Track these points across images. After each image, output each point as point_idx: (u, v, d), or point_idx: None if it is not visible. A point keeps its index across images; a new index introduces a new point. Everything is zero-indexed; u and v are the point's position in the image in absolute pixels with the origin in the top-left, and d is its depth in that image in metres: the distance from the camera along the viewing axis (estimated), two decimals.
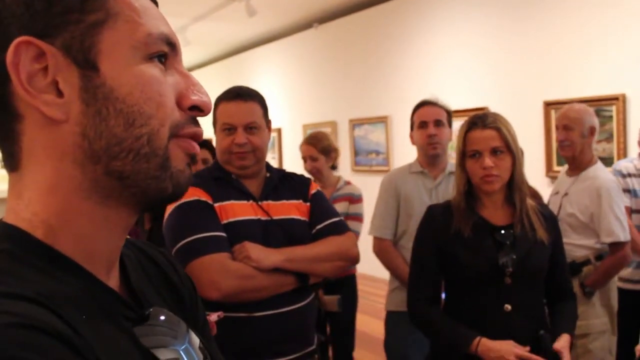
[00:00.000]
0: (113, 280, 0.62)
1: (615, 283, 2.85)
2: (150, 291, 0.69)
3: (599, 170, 2.84)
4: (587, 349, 2.70)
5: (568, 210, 2.78)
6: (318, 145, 3.38)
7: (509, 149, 1.82)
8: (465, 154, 1.86)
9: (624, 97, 4.32)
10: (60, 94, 0.55)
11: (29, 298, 0.48)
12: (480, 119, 1.86)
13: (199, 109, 0.62)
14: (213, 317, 1.51)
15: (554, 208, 2.77)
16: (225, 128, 1.76)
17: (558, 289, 1.94)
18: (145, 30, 0.58)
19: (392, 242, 2.73)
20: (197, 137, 0.62)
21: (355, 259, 1.86)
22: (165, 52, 0.60)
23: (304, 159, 3.42)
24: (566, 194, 2.83)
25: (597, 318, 2.72)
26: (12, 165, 0.58)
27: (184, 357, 0.64)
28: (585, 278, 2.70)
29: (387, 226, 2.73)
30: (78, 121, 0.55)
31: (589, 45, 4.56)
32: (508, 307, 1.80)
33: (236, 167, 1.78)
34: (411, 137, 2.86)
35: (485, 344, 1.74)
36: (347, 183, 3.44)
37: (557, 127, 2.92)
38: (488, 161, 1.80)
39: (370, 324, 4.78)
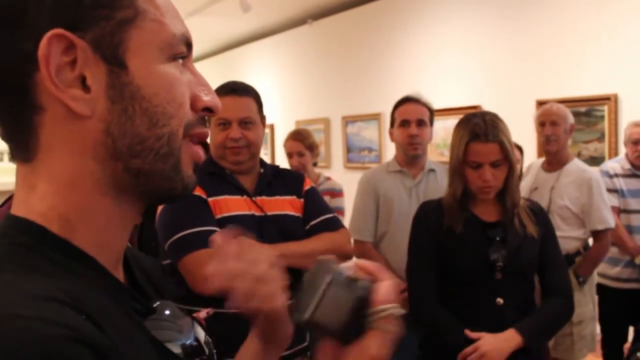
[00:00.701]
0: (119, 274, 0.62)
1: (595, 271, 3.01)
2: (149, 286, 0.69)
3: (580, 163, 3.02)
4: (582, 335, 2.86)
5: (559, 203, 2.87)
6: (305, 142, 3.42)
7: (507, 160, 1.84)
8: (465, 162, 1.85)
9: (615, 97, 4.34)
10: (86, 89, 0.54)
11: (60, 300, 0.47)
12: (483, 132, 1.83)
13: (209, 110, 0.62)
14: (202, 313, 1.50)
15: (542, 203, 2.81)
16: (219, 123, 1.75)
17: (547, 284, 1.93)
18: (170, 30, 0.58)
19: (373, 244, 2.66)
20: (204, 138, 0.63)
21: (349, 255, 1.86)
22: (184, 53, 0.60)
23: (290, 154, 3.44)
24: (553, 188, 2.92)
25: (586, 305, 2.89)
26: (25, 157, 0.57)
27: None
28: (578, 268, 2.85)
29: (367, 228, 2.65)
30: (103, 118, 0.55)
31: (582, 45, 4.58)
32: (500, 301, 1.83)
33: (230, 162, 1.77)
34: (390, 134, 2.84)
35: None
36: (327, 179, 3.51)
37: (542, 123, 2.99)
38: (489, 175, 1.82)
39: None
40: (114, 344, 0.49)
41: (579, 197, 2.87)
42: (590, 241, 3.01)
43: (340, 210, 3.40)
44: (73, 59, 0.53)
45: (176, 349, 0.62)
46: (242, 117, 1.75)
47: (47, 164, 0.56)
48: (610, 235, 3.09)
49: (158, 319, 0.63)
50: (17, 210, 0.57)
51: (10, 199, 1.29)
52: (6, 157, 11.77)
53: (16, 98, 0.54)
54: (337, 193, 3.43)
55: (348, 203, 3.44)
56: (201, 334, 0.70)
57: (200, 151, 0.63)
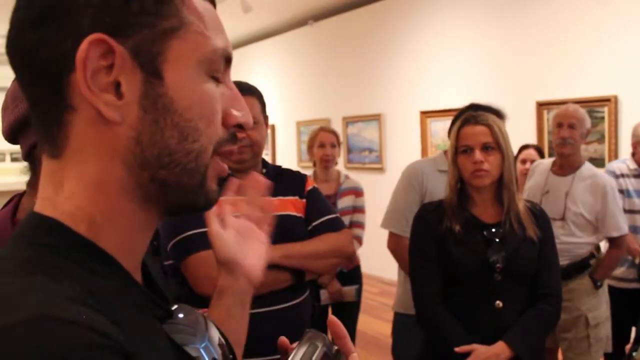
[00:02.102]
0: (139, 279, 0.62)
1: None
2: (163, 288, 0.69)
3: (593, 168, 2.95)
4: (598, 337, 2.84)
5: (574, 210, 2.82)
6: (337, 136, 3.49)
7: (499, 146, 1.85)
8: (458, 150, 1.88)
9: (615, 98, 4.34)
10: (120, 95, 0.54)
11: (90, 304, 0.47)
12: (472, 116, 1.90)
13: (240, 127, 0.62)
14: (205, 312, 1.49)
15: (556, 208, 2.82)
16: None
17: (538, 287, 1.89)
18: (211, 45, 0.57)
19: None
20: (230, 155, 0.64)
21: (350, 256, 1.86)
22: (222, 70, 0.59)
23: (323, 145, 3.43)
24: (567, 194, 2.85)
25: (601, 307, 2.88)
26: (53, 151, 0.56)
27: (204, 355, 0.64)
28: (594, 273, 2.84)
29: (408, 223, 2.43)
30: (134, 126, 0.54)
31: (582, 46, 4.58)
32: (499, 303, 1.82)
33: (234, 161, 1.76)
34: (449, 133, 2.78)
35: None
36: (347, 177, 3.52)
37: (559, 125, 2.89)
38: (478, 155, 1.83)
39: (367, 322, 4.78)
40: (138, 351, 0.49)
41: (593, 204, 2.82)
42: (602, 243, 2.98)
43: (363, 209, 3.42)
44: (110, 63, 0.53)
45: (191, 352, 0.62)
46: None
47: (76, 163, 0.55)
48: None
49: (174, 322, 0.63)
50: (43, 208, 0.56)
51: (11, 200, 1.28)
52: (8, 157, 11.77)
53: (50, 93, 0.54)
54: (360, 192, 3.45)
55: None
56: (215, 335, 0.69)
57: (226, 167, 0.62)
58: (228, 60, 0.60)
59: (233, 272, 0.88)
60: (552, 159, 3.10)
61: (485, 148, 1.84)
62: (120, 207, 0.56)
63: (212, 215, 0.89)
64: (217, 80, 0.59)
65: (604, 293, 2.94)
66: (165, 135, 0.55)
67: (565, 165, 2.93)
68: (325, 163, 3.41)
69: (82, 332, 0.43)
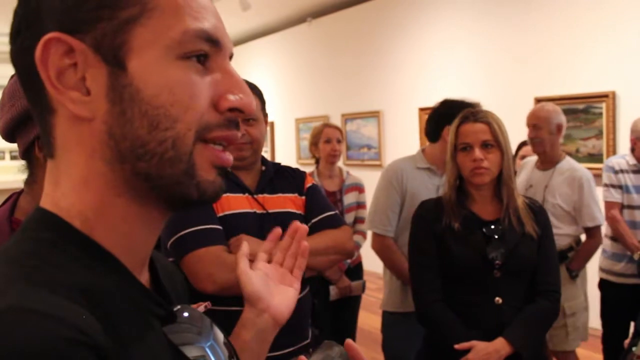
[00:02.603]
0: (144, 278, 0.61)
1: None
2: (170, 289, 0.68)
3: (572, 162, 3.07)
4: (575, 326, 2.96)
5: (552, 201, 2.94)
6: (341, 132, 3.52)
7: (498, 144, 1.84)
8: (457, 147, 1.87)
9: (613, 94, 4.33)
10: (87, 91, 0.53)
11: (74, 298, 0.48)
12: (471, 114, 1.89)
13: (238, 110, 0.59)
14: (200, 307, 1.49)
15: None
16: None
17: (538, 283, 1.89)
18: (181, 27, 0.54)
19: (393, 239, 2.56)
20: (229, 141, 0.59)
21: (350, 253, 1.84)
22: (204, 50, 0.56)
23: (329, 140, 3.43)
24: (546, 187, 2.99)
25: (579, 297, 3.00)
26: (49, 152, 0.58)
27: (210, 354, 0.64)
28: (570, 263, 2.95)
29: (390, 223, 2.53)
30: (104, 120, 0.54)
31: (580, 43, 4.57)
32: (499, 300, 1.81)
33: (234, 158, 1.75)
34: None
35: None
36: (348, 173, 3.55)
37: (527, 126, 3.07)
38: (478, 153, 1.82)
39: (366, 318, 4.78)
40: (124, 350, 0.48)
41: (570, 195, 2.94)
42: (583, 237, 3.05)
43: (365, 205, 3.44)
44: (75, 61, 0.53)
45: (196, 352, 0.62)
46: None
47: (64, 161, 0.56)
48: (613, 231, 3.18)
49: (178, 322, 0.62)
50: (44, 202, 0.57)
51: (10, 198, 1.27)
52: (7, 155, 11.75)
53: (36, 98, 0.56)
54: (362, 188, 3.48)
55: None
56: (220, 335, 0.68)
57: (224, 155, 0.59)
58: (215, 43, 0.57)
59: (256, 306, 0.90)
60: (535, 157, 3.21)
61: (485, 145, 1.83)
62: (108, 203, 0.56)
63: (242, 255, 0.92)
64: (200, 62, 0.56)
65: (582, 284, 3.04)
66: (134, 126, 0.53)
67: (545, 160, 3.06)
68: (332, 158, 3.42)
69: (55, 325, 0.43)
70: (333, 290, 3.18)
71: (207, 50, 0.56)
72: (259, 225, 1.70)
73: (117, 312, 0.51)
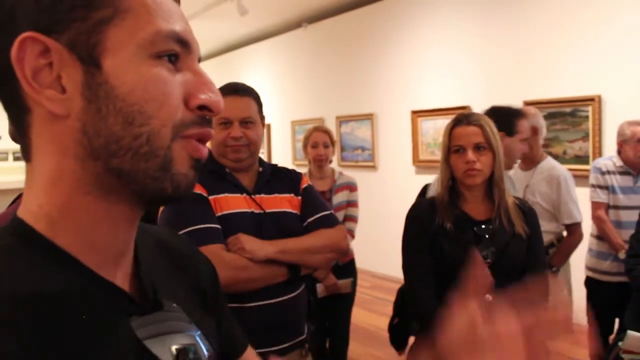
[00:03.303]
0: (122, 273, 0.61)
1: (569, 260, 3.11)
2: (163, 281, 0.67)
3: (552, 161, 3.09)
4: None
5: (532, 200, 2.95)
6: (330, 135, 3.47)
7: (490, 146, 1.85)
8: (450, 149, 1.88)
9: (599, 98, 4.36)
10: (63, 89, 0.54)
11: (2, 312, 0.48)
12: (464, 117, 1.90)
13: (208, 109, 0.59)
14: None
15: None
16: (221, 122, 1.74)
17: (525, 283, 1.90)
18: (153, 28, 0.55)
19: None
20: (204, 138, 0.60)
21: (345, 251, 1.86)
22: (175, 51, 0.57)
23: (316, 145, 3.41)
24: (527, 186, 3.02)
25: (561, 292, 2.90)
26: (26, 157, 0.58)
27: (200, 342, 0.63)
28: (551, 259, 2.96)
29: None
30: (79, 117, 0.54)
31: (567, 48, 4.59)
32: (489, 297, 1.81)
33: (231, 159, 1.76)
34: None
35: None
36: (341, 173, 3.52)
37: None
38: (471, 156, 1.83)
39: (360, 315, 4.79)
40: (62, 353, 0.49)
41: (549, 193, 2.97)
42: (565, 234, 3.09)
43: (357, 203, 3.42)
44: (50, 61, 0.53)
45: (185, 340, 0.61)
46: (243, 117, 1.74)
47: (38, 163, 0.56)
48: (599, 230, 3.19)
49: (166, 311, 0.62)
50: (20, 209, 0.57)
51: (19, 197, 1.28)
52: (10, 156, 11.69)
53: (10, 99, 0.55)
54: (354, 187, 3.44)
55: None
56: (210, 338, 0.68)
57: (202, 148, 0.59)
58: (184, 44, 0.58)
59: None
60: None
61: (477, 148, 1.84)
62: (76, 202, 0.55)
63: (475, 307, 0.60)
64: (171, 62, 0.57)
65: (565, 280, 3.06)
66: (108, 122, 0.54)
67: (526, 161, 3.08)
68: (318, 162, 3.39)
69: None
70: (319, 288, 3.17)
71: (178, 51, 0.57)
72: (257, 225, 1.71)
73: (66, 314, 0.51)
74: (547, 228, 2.97)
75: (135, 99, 0.54)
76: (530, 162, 3.07)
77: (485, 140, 1.84)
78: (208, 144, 0.63)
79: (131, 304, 0.59)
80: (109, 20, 0.54)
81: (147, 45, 0.55)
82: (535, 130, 3.04)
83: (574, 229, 2.99)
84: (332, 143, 3.44)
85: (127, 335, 0.56)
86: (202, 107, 0.58)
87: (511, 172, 3.18)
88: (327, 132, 3.47)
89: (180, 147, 0.57)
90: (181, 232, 1.63)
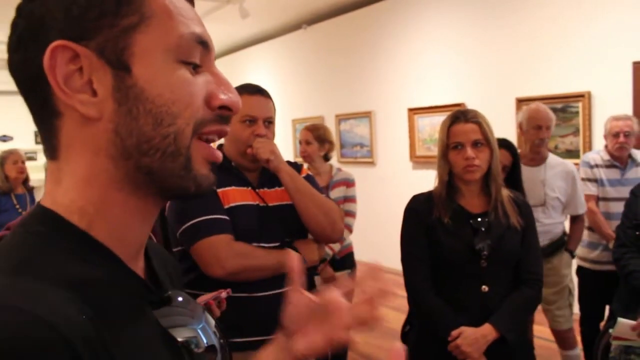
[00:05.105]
0: (139, 266, 0.62)
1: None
2: (164, 275, 0.69)
3: (556, 157, 3.19)
4: (573, 303, 3.14)
5: (552, 195, 3.02)
6: (314, 132, 3.44)
7: (487, 143, 1.84)
8: (448, 145, 1.87)
9: (589, 94, 4.35)
10: (94, 93, 0.54)
11: (51, 290, 0.47)
12: (462, 114, 1.88)
13: (227, 108, 0.60)
14: (223, 294, 1.50)
15: (535, 196, 2.96)
16: (245, 120, 1.72)
17: (521, 273, 1.89)
18: (177, 33, 0.56)
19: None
20: (221, 134, 0.61)
21: (338, 230, 1.80)
22: (197, 57, 0.58)
23: (300, 142, 3.46)
24: (543, 182, 3.03)
25: (573, 276, 3.19)
26: (52, 155, 0.58)
27: (202, 335, 0.65)
28: (569, 245, 3.10)
29: None
30: (111, 119, 0.55)
31: (558, 47, 4.59)
32: (485, 287, 1.82)
33: (250, 160, 1.75)
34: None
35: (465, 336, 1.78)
36: (339, 170, 3.48)
37: (539, 127, 3.02)
38: (470, 152, 1.82)
39: None
40: (110, 335, 0.48)
41: (565, 187, 3.04)
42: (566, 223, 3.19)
43: (354, 199, 3.40)
44: (80, 66, 0.54)
45: (188, 333, 0.62)
46: (268, 116, 1.75)
47: (68, 162, 0.57)
48: (590, 222, 3.24)
49: (172, 306, 0.63)
50: (44, 200, 0.58)
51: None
52: (40, 155, 11.66)
53: (40, 104, 0.56)
54: (351, 183, 3.41)
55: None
56: (211, 320, 0.69)
57: (216, 152, 0.60)
58: (205, 45, 0.59)
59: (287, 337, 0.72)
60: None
61: (475, 144, 1.83)
62: (110, 198, 0.56)
63: (297, 278, 0.71)
64: (193, 65, 0.58)
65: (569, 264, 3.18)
66: (139, 123, 0.55)
67: (537, 157, 3.08)
68: (303, 159, 3.38)
69: (21, 317, 0.43)
70: (317, 281, 3.15)
71: (200, 55, 0.58)
72: (261, 217, 1.72)
73: (106, 300, 0.52)
74: (560, 219, 3.09)
75: (163, 100, 0.55)
76: (540, 158, 3.08)
77: (483, 137, 1.83)
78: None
79: (152, 295, 0.61)
80: (135, 27, 0.55)
81: (174, 50, 0.56)
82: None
83: (583, 217, 3.15)
84: (319, 139, 3.39)
85: (153, 321, 0.58)
86: (222, 107, 0.60)
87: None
88: (311, 130, 3.45)
89: (196, 148, 0.58)
90: (194, 222, 1.64)
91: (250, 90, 1.75)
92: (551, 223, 3.03)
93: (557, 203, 3.03)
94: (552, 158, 3.11)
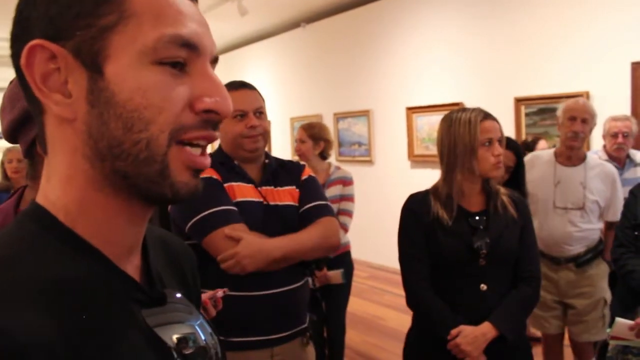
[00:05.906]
0: (133, 265, 0.61)
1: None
2: (167, 274, 0.68)
3: (596, 157, 2.91)
4: (607, 314, 2.78)
5: (591, 198, 2.76)
6: (309, 131, 3.43)
7: (502, 141, 1.88)
8: (479, 142, 1.82)
9: (587, 94, 4.35)
10: (69, 94, 0.54)
11: (29, 293, 0.48)
12: (485, 112, 1.87)
13: (214, 112, 0.57)
14: (219, 293, 1.49)
15: (573, 198, 2.75)
16: (236, 115, 1.72)
17: (520, 270, 1.89)
18: (155, 34, 0.53)
19: None
20: (208, 140, 0.58)
21: (334, 247, 1.80)
22: (180, 57, 0.55)
23: (296, 141, 3.47)
24: (582, 184, 2.77)
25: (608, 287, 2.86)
26: (44, 150, 0.59)
27: (199, 331, 0.64)
28: (606, 254, 2.78)
29: None
30: (85, 120, 0.54)
31: (556, 46, 4.58)
32: (483, 286, 1.82)
33: (248, 150, 1.74)
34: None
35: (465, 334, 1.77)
36: (338, 168, 3.45)
37: (573, 118, 2.75)
38: (499, 148, 1.83)
39: (357, 304, 4.80)
40: (73, 341, 0.48)
41: (605, 191, 2.78)
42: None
43: (352, 197, 3.36)
44: (58, 66, 0.53)
45: (186, 329, 0.62)
46: (257, 107, 1.75)
47: (53, 158, 0.57)
48: None
49: (169, 303, 0.63)
50: (39, 196, 0.58)
51: (16, 192, 1.29)
52: None
53: (31, 99, 0.57)
54: (348, 181, 3.38)
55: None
56: (207, 326, 0.68)
57: (199, 158, 0.57)
58: (191, 47, 0.55)
59: None
60: (549, 151, 2.98)
61: (499, 141, 1.85)
62: (89, 198, 0.56)
63: None
64: (179, 64, 0.55)
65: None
66: (110, 127, 0.53)
67: (574, 156, 2.81)
68: (299, 157, 3.36)
69: None
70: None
71: (184, 57, 0.55)
72: (263, 215, 1.71)
73: (85, 299, 0.52)
74: (598, 225, 2.82)
75: (134, 105, 0.53)
76: (577, 158, 2.81)
77: (502, 135, 1.87)
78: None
79: (141, 293, 0.60)
80: (112, 27, 0.53)
81: (149, 52, 0.53)
82: (594, 127, 2.80)
83: (615, 224, 2.78)
84: (314, 137, 3.38)
85: (139, 321, 0.57)
86: (208, 111, 0.56)
87: (544, 167, 2.88)
88: (305, 129, 3.44)
89: (176, 155, 0.56)
90: (202, 215, 1.63)
91: (235, 85, 1.75)
92: (589, 229, 2.77)
93: (596, 207, 2.76)
94: (591, 159, 2.83)
